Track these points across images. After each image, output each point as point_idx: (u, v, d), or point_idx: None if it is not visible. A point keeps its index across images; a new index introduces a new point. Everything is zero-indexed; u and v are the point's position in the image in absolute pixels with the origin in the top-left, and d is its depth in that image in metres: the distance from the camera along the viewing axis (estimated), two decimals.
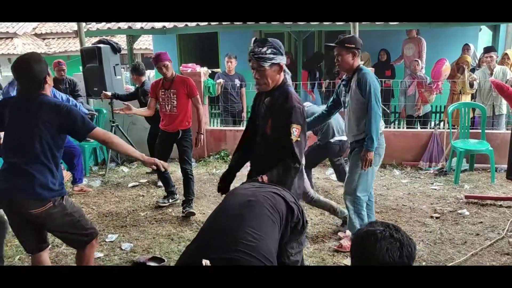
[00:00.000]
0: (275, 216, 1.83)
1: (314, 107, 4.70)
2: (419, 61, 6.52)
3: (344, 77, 3.35)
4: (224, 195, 2.19)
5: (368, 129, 3.08)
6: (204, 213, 4.15)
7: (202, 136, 4.24)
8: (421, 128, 6.31)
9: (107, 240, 3.63)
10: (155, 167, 2.49)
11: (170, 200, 4.43)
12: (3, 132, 2.40)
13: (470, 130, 5.31)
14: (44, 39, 16.82)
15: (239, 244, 1.61)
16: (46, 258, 2.51)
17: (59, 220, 2.34)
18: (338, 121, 4.55)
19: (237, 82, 6.55)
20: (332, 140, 4.43)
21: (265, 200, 1.86)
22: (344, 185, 3.34)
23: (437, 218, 3.95)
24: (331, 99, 3.48)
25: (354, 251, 1.43)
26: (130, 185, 5.13)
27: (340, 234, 3.59)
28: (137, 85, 5.39)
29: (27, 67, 2.30)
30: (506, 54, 6.32)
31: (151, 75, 12.47)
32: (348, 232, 3.46)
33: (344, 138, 4.52)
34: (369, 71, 3.16)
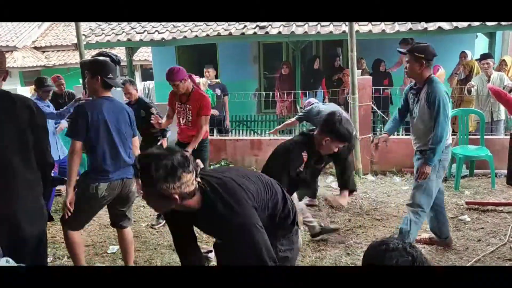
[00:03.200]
0: (271, 188, 1.98)
1: (319, 105, 4.71)
2: None
3: (412, 85, 3.30)
4: None
5: (432, 144, 3.04)
6: None
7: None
8: None
9: (108, 251, 3.63)
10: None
11: (162, 221, 4.18)
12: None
13: (469, 136, 5.33)
14: (43, 52, 16.91)
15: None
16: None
17: (132, 196, 3.03)
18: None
19: (218, 91, 6.62)
20: None
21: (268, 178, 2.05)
22: (411, 196, 3.30)
23: None
24: (400, 105, 3.44)
25: (364, 261, 1.41)
26: None
27: (424, 235, 3.65)
28: (130, 101, 5.24)
29: None
30: (503, 60, 6.37)
31: (150, 86, 12.54)
32: (432, 235, 3.58)
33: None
34: (440, 83, 3.10)
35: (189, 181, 1.61)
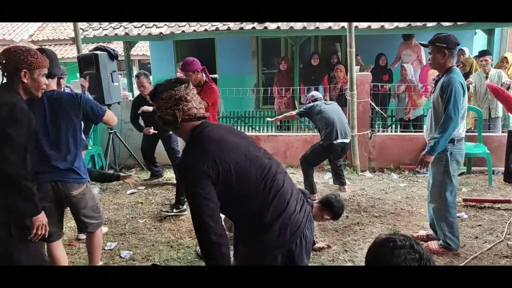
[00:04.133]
0: (268, 182, 1.88)
1: (321, 103, 4.71)
2: (406, 66, 6.60)
3: (435, 76, 3.34)
4: None
5: (437, 132, 3.04)
6: None
7: None
8: (416, 131, 6.35)
9: (106, 248, 3.62)
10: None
11: (175, 211, 4.29)
12: None
13: (467, 133, 5.32)
14: (41, 46, 16.79)
15: None
16: (61, 245, 2.83)
17: (88, 203, 2.76)
18: (342, 123, 4.62)
19: None
20: (335, 142, 4.51)
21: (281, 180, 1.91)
22: (429, 194, 3.36)
23: None
24: None
25: (369, 257, 1.38)
26: (128, 192, 5.12)
27: (422, 232, 3.65)
28: (143, 94, 5.24)
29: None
30: (505, 57, 6.32)
31: None
32: (430, 232, 3.53)
33: (347, 140, 4.62)
34: (458, 74, 3.07)
35: (165, 109, 1.81)
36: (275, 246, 1.78)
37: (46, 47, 14.40)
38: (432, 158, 3.08)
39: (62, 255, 2.80)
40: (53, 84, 2.66)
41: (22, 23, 16.61)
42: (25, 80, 2.09)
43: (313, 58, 7.91)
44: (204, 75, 4.01)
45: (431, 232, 3.54)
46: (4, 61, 2.07)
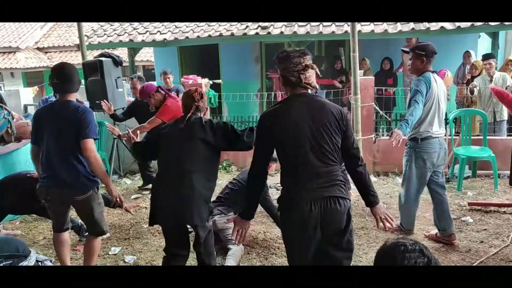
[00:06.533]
0: None
1: None
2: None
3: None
4: None
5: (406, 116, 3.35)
6: None
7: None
8: None
9: (110, 253, 3.63)
10: (117, 201, 2.90)
11: None
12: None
13: (472, 137, 5.30)
14: (46, 52, 16.97)
15: None
16: (67, 236, 3.07)
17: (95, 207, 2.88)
18: None
19: (174, 94, 6.62)
20: None
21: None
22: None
23: None
24: None
25: (379, 260, 1.42)
26: (132, 197, 5.13)
27: (433, 231, 3.74)
28: (138, 97, 5.31)
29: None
30: (510, 60, 6.29)
31: None
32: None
33: None
34: (424, 77, 3.31)
35: (292, 71, 2.09)
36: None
37: (52, 53, 14.45)
38: (400, 132, 3.22)
39: (64, 239, 3.02)
40: (73, 97, 2.91)
41: (27, 30, 16.78)
42: None
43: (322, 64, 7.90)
44: (163, 92, 4.42)
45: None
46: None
